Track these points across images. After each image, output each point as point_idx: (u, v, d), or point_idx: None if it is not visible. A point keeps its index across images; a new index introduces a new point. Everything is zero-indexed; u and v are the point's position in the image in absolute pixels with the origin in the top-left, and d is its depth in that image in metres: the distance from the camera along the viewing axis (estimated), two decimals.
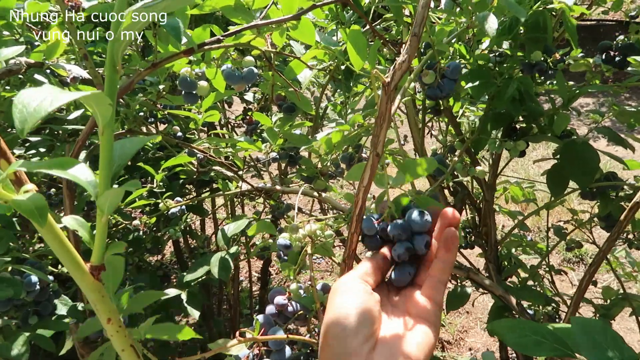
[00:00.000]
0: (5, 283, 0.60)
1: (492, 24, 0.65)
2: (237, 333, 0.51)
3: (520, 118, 0.96)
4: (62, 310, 0.96)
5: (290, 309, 0.64)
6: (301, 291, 0.63)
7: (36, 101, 0.20)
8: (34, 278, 0.73)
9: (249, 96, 1.74)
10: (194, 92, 0.69)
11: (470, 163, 0.95)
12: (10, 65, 0.73)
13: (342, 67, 1.22)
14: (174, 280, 1.69)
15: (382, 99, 0.47)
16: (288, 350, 0.57)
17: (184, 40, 0.65)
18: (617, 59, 0.82)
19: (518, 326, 0.44)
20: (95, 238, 0.30)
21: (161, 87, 0.76)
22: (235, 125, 1.84)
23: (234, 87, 0.68)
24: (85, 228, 0.30)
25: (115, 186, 0.29)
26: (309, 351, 0.66)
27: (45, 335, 0.77)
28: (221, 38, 0.58)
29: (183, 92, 0.70)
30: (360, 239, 0.51)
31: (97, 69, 0.78)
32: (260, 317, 0.64)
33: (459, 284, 1.04)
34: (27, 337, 0.70)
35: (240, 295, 2.02)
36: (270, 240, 1.05)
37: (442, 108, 1.00)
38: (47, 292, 0.84)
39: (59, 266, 1.14)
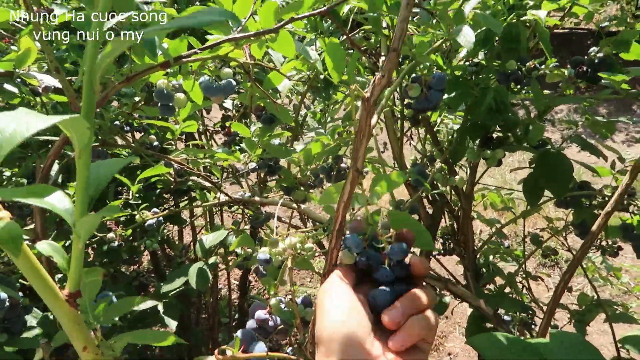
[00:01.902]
0: None
1: (468, 37, 0.65)
2: (217, 351, 0.50)
3: (497, 128, 0.98)
4: (32, 322, 0.93)
5: (271, 323, 0.63)
6: (282, 305, 0.62)
7: (11, 127, 0.19)
8: (3, 295, 0.71)
9: (228, 103, 1.72)
10: (171, 104, 0.68)
11: (448, 172, 0.96)
12: None
13: (321, 77, 1.22)
14: (152, 289, 1.66)
15: (361, 114, 0.47)
16: None
17: (160, 52, 0.64)
18: (588, 74, 0.84)
19: (497, 342, 0.44)
20: (71, 264, 0.29)
21: (137, 98, 0.75)
22: (214, 132, 1.82)
23: (212, 99, 0.67)
24: (61, 254, 0.29)
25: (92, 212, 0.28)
26: None
27: (13, 353, 0.75)
28: (198, 51, 0.57)
29: (159, 104, 0.68)
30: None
31: (69, 77, 0.76)
32: (239, 333, 0.63)
33: (438, 293, 1.05)
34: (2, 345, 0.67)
35: (219, 304, 2.00)
36: (250, 250, 1.04)
37: (420, 118, 1.01)
38: (18, 308, 0.81)
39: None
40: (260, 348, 0.56)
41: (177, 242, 1.67)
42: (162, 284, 0.99)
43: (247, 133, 0.93)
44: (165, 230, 1.39)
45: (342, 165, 0.87)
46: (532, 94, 0.86)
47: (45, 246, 0.29)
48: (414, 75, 0.71)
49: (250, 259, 0.81)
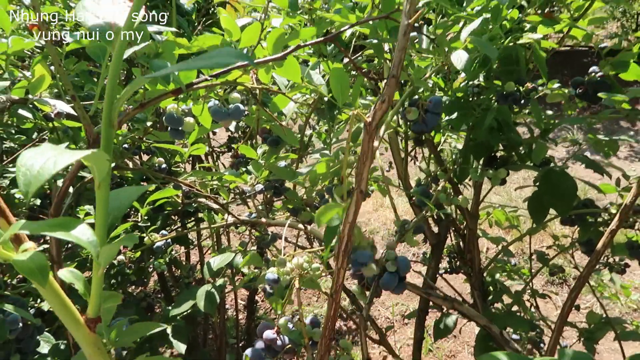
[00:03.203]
0: None
1: (462, 59, 0.67)
2: None
3: (501, 147, 0.99)
4: (44, 348, 0.94)
5: (279, 343, 0.64)
6: (290, 325, 0.63)
7: (39, 163, 0.21)
8: (16, 315, 0.72)
9: (232, 125, 1.75)
10: (180, 128, 0.70)
11: (453, 191, 0.97)
12: None
13: (325, 99, 1.24)
14: (158, 310, 1.66)
15: (364, 138, 0.49)
16: None
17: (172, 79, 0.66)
18: (588, 95, 0.86)
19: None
20: (92, 291, 0.30)
21: (148, 123, 0.77)
22: (220, 153, 1.84)
23: (220, 123, 0.69)
24: (81, 281, 0.30)
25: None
26: None
27: None
28: (209, 78, 0.59)
29: (169, 128, 0.70)
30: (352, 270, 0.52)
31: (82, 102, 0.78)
32: (249, 352, 0.64)
33: (445, 312, 1.05)
34: None
35: (226, 324, 2.00)
36: (257, 271, 1.05)
37: (423, 138, 1.03)
38: (30, 328, 0.83)
39: (39, 300, 1.12)
40: None
41: (184, 263, 1.68)
42: (170, 307, 1.00)
43: (253, 155, 0.95)
44: (172, 252, 1.41)
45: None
46: (533, 114, 0.87)
47: (67, 274, 0.30)
48: (412, 98, 0.73)
49: (258, 279, 0.82)
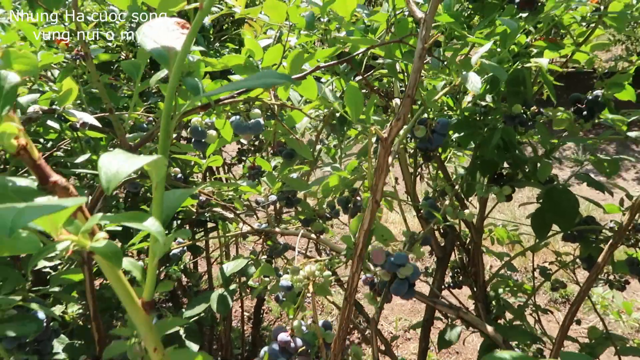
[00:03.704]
0: (27, 319, 0.63)
1: (475, 82, 0.71)
2: None
3: (506, 165, 1.03)
4: (58, 348, 0.97)
5: (292, 345, 0.67)
6: (303, 328, 0.66)
7: (116, 165, 0.25)
8: (41, 315, 0.76)
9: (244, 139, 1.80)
10: (204, 140, 0.75)
11: (459, 206, 1.01)
12: (29, 114, 0.78)
13: (337, 114, 1.29)
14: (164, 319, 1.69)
15: (380, 153, 0.53)
16: None
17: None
18: (585, 112, 0.91)
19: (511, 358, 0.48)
20: (147, 277, 0.34)
21: (174, 135, 0.82)
22: (232, 164, 1.89)
23: (241, 136, 0.74)
24: (138, 269, 0.34)
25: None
26: None
27: None
28: (236, 95, 0.64)
29: (193, 140, 0.75)
30: (363, 277, 0.56)
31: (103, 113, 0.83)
32: (267, 349, 0.67)
33: (450, 324, 1.08)
34: None
35: (231, 336, 2.02)
36: (267, 279, 1.08)
37: (431, 155, 1.07)
38: (49, 330, 0.86)
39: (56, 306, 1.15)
40: None
41: (193, 272, 1.72)
42: (183, 309, 1.03)
43: (268, 167, 0.99)
44: (183, 264, 1.44)
45: (358, 198, 0.92)
46: (539, 134, 0.91)
47: (126, 263, 0.34)
48: (422, 117, 0.77)
49: (271, 288, 0.86)
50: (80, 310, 1.32)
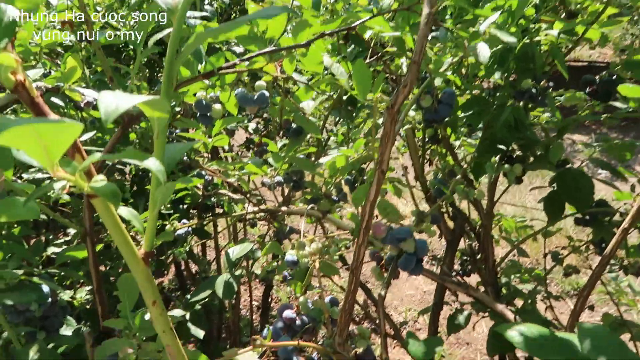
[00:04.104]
0: (27, 288, 0.62)
1: (484, 52, 0.69)
2: (251, 339, 0.54)
3: (517, 148, 1.01)
4: (66, 331, 0.97)
5: (298, 322, 0.66)
6: (309, 304, 0.65)
7: (115, 101, 0.24)
8: (46, 288, 0.75)
9: (251, 126, 1.79)
10: (209, 114, 0.73)
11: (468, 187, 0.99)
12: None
13: (345, 97, 1.27)
14: (173, 305, 1.69)
15: (386, 120, 0.51)
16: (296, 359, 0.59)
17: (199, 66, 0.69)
18: (599, 93, 0.88)
19: (530, 332, 0.47)
20: (147, 228, 0.33)
21: (177, 109, 0.81)
22: (239, 153, 1.88)
23: (246, 109, 0.72)
24: (138, 219, 0.33)
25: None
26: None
27: (53, 350, 0.78)
28: (238, 62, 0.62)
29: (198, 114, 0.74)
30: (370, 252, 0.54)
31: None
32: (270, 327, 0.66)
33: (459, 308, 1.06)
34: (42, 342, 0.71)
35: (239, 324, 2.02)
36: (275, 264, 1.07)
37: (440, 137, 1.05)
38: (56, 307, 0.85)
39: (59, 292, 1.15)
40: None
41: (201, 259, 1.71)
42: (188, 296, 1.03)
43: (274, 148, 0.98)
44: (190, 245, 1.44)
45: (365, 177, 0.91)
46: (549, 108, 0.89)
47: (125, 211, 0.33)
48: (428, 88, 0.75)
49: (276, 270, 0.85)
50: (88, 296, 1.32)
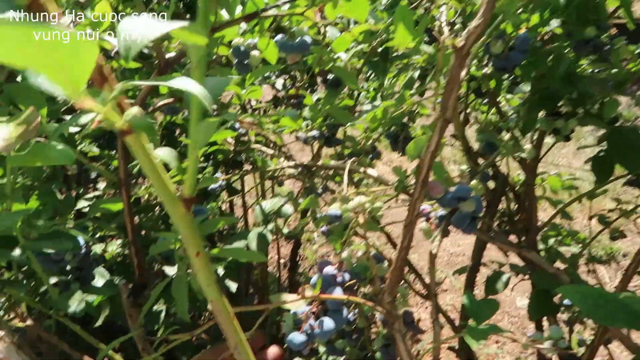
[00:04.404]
0: (63, 237, 0.61)
1: None
2: (300, 289, 0.51)
3: (567, 102, 0.94)
4: (98, 282, 0.97)
5: (339, 279, 0.63)
6: (353, 260, 0.62)
7: (139, 29, 0.20)
8: (81, 240, 0.74)
9: (278, 84, 1.74)
10: (246, 61, 0.69)
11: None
12: None
13: (380, 50, 1.20)
14: None
15: (454, 64, 0.46)
16: (345, 312, 0.56)
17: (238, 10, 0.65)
18: None
19: (591, 294, 0.43)
20: (188, 170, 0.29)
21: (214, 56, 0.76)
22: (265, 110, 1.84)
23: (287, 57, 0.68)
24: (177, 160, 0.30)
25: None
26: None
27: (89, 301, 0.78)
28: (280, 3, 0.58)
29: (236, 62, 0.69)
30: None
31: None
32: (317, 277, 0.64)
33: (499, 270, 1.03)
34: (81, 292, 0.70)
35: (267, 281, 2.03)
36: (307, 221, 1.05)
37: (484, 90, 0.99)
38: (90, 259, 0.85)
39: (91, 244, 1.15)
40: (338, 292, 0.56)
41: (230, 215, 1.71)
42: (220, 247, 1.01)
43: (310, 100, 0.93)
44: (218, 203, 1.42)
45: (408, 132, 0.86)
46: (612, 61, 0.82)
47: (163, 152, 0.30)
48: (498, 32, 0.69)
49: (317, 220, 0.82)
50: (120, 250, 1.32)
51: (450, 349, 1.42)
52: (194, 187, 0.30)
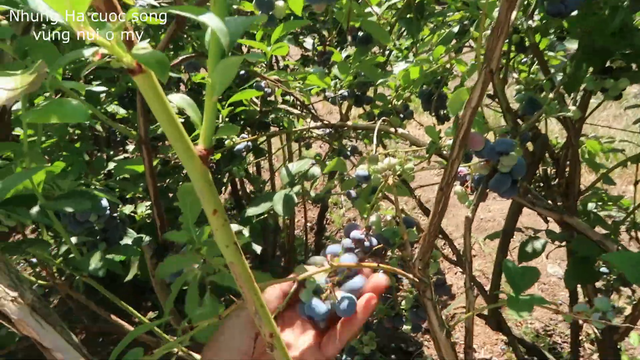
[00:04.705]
0: (83, 196, 0.59)
1: None
2: (329, 256, 0.49)
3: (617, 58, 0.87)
4: (126, 241, 0.97)
5: (367, 244, 0.61)
6: (381, 224, 0.59)
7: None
8: (105, 202, 0.73)
9: (308, 43, 1.68)
10: (271, 12, 0.65)
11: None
12: None
13: (415, 2, 1.13)
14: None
15: (502, 6, 0.41)
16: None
17: None
18: None
19: (630, 255, 0.39)
20: (204, 119, 0.26)
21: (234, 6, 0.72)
22: (294, 69, 1.79)
23: (313, 6, 0.63)
24: (194, 108, 0.27)
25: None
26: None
27: (114, 259, 0.78)
28: None
29: (260, 14, 0.65)
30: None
31: None
32: (333, 248, 0.61)
33: (533, 235, 0.98)
34: (103, 252, 0.70)
35: (294, 244, 2.03)
36: (334, 184, 1.02)
37: (527, 45, 0.92)
38: (116, 220, 0.85)
39: (120, 207, 1.16)
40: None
41: (256, 177, 1.70)
42: (246, 208, 0.99)
43: (339, 57, 0.88)
44: (246, 164, 1.41)
45: (442, 91, 0.81)
46: None
47: (178, 99, 0.27)
48: None
49: (344, 183, 0.78)
50: (149, 211, 1.33)
51: (480, 315, 1.40)
52: (211, 138, 0.27)
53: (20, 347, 0.85)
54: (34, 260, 1.16)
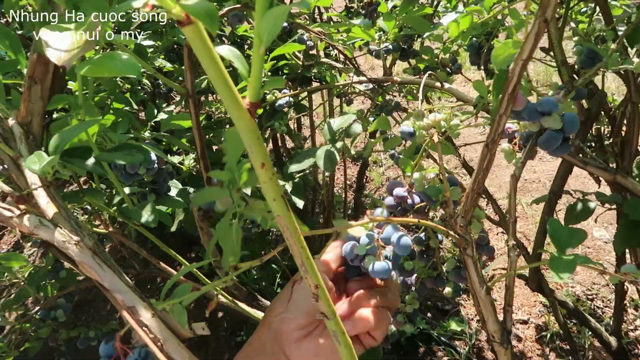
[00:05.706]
0: (134, 149, 0.62)
1: None
2: (367, 212, 0.49)
3: None
4: (173, 191, 1.00)
5: (409, 201, 0.61)
6: (424, 182, 0.59)
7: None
8: (153, 155, 0.76)
9: None
10: None
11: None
12: None
13: None
14: None
15: None
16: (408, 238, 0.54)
17: None
18: None
19: None
20: (252, 71, 0.26)
21: None
22: (337, 21, 1.75)
23: None
24: (241, 60, 0.27)
25: None
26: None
27: (163, 210, 0.81)
28: None
29: None
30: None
31: None
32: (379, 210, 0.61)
33: (582, 198, 0.95)
34: (153, 203, 0.73)
35: (334, 200, 2.05)
36: (377, 141, 1.01)
37: None
38: (164, 172, 0.88)
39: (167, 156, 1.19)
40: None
41: (297, 134, 1.70)
42: (289, 164, 1.00)
43: (384, 8, 0.86)
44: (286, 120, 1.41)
45: (492, 44, 0.77)
46: None
47: (226, 50, 0.27)
48: None
49: (387, 142, 0.78)
50: (195, 164, 1.37)
51: (520, 276, 1.39)
52: (258, 91, 0.27)
53: (79, 287, 0.91)
54: (88, 207, 1.21)
